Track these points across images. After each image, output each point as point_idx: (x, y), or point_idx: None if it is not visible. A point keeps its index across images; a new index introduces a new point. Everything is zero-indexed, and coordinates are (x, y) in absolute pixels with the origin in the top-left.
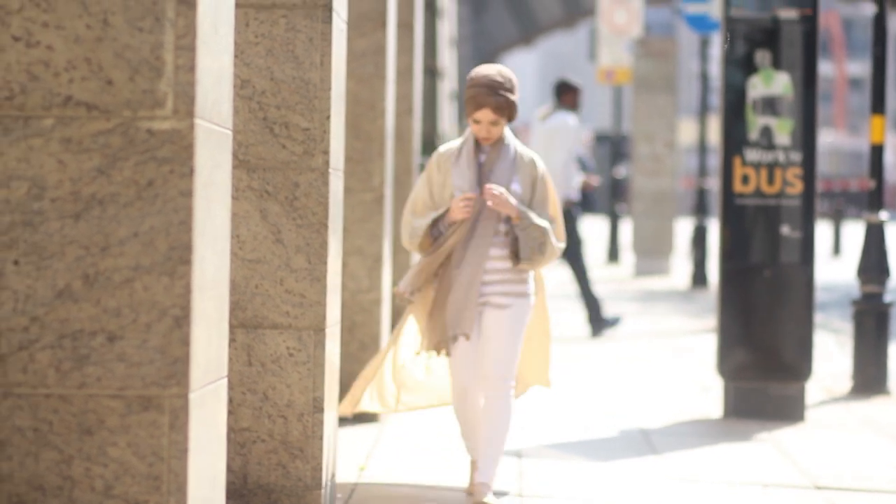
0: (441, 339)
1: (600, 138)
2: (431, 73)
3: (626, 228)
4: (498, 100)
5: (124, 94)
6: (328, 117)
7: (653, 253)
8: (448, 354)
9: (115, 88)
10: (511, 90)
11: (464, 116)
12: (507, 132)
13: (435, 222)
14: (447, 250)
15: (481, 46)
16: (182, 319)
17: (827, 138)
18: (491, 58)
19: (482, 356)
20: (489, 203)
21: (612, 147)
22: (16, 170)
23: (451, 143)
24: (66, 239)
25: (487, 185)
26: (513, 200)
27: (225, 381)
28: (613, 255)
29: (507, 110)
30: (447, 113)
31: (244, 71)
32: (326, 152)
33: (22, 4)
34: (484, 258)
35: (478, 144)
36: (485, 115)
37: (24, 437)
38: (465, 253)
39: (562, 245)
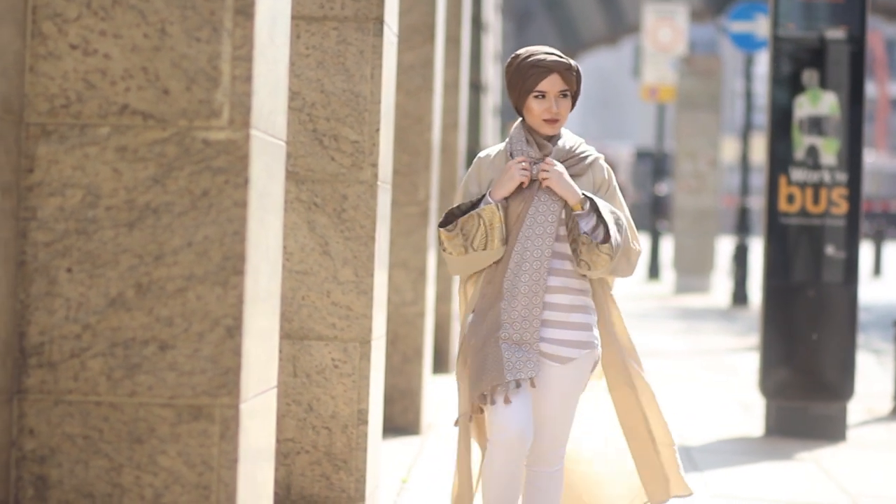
0: (498, 381)
1: (642, 155)
2: (476, 87)
3: (668, 245)
4: (567, 62)
5: (180, 104)
6: (377, 130)
7: (693, 271)
8: (506, 402)
9: (171, 98)
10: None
11: (507, 131)
12: (563, 129)
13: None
14: (483, 256)
15: None
16: (234, 329)
17: (868, 158)
18: None
19: (540, 425)
20: (543, 177)
21: (655, 164)
22: (71, 178)
23: (491, 149)
24: (119, 247)
25: (547, 160)
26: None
27: (275, 392)
28: (654, 272)
29: (575, 79)
30: (490, 127)
31: (294, 83)
32: (375, 165)
33: (80, 13)
34: (542, 283)
35: (528, 142)
36: (552, 81)
37: (74, 444)
38: (516, 278)
39: (639, 248)
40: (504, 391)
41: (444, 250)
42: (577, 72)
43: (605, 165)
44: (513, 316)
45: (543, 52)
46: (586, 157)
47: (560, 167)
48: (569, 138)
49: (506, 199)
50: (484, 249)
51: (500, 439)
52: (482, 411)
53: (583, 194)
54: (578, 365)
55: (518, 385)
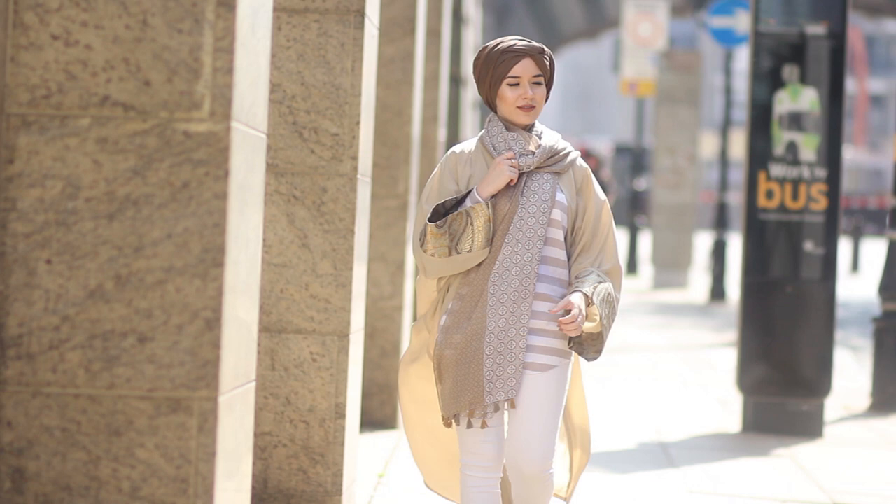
0: (477, 405)
1: (621, 150)
2: (456, 80)
3: (646, 241)
4: (539, 47)
5: (161, 96)
6: (358, 123)
7: (672, 266)
8: (483, 426)
9: (152, 89)
10: None
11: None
12: (538, 123)
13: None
14: (467, 259)
15: None
16: (213, 322)
17: (847, 155)
18: None
19: (517, 433)
20: (570, 331)
21: (633, 159)
22: (51, 169)
23: (464, 145)
24: (99, 239)
25: (569, 303)
26: (582, 315)
27: (253, 385)
28: (632, 267)
29: (548, 64)
30: (470, 121)
31: (275, 75)
32: (355, 158)
33: (61, 3)
34: (529, 291)
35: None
36: (526, 66)
37: (52, 436)
38: (500, 285)
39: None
40: (482, 415)
41: (424, 250)
42: (551, 57)
43: (584, 163)
44: (499, 324)
45: (513, 39)
46: (568, 154)
47: (577, 309)
48: (549, 134)
49: (493, 197)
50: (469, 251)
51: (476, 464)
52: (451, 425)
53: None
54: (559, 373)
55: (496, 409)
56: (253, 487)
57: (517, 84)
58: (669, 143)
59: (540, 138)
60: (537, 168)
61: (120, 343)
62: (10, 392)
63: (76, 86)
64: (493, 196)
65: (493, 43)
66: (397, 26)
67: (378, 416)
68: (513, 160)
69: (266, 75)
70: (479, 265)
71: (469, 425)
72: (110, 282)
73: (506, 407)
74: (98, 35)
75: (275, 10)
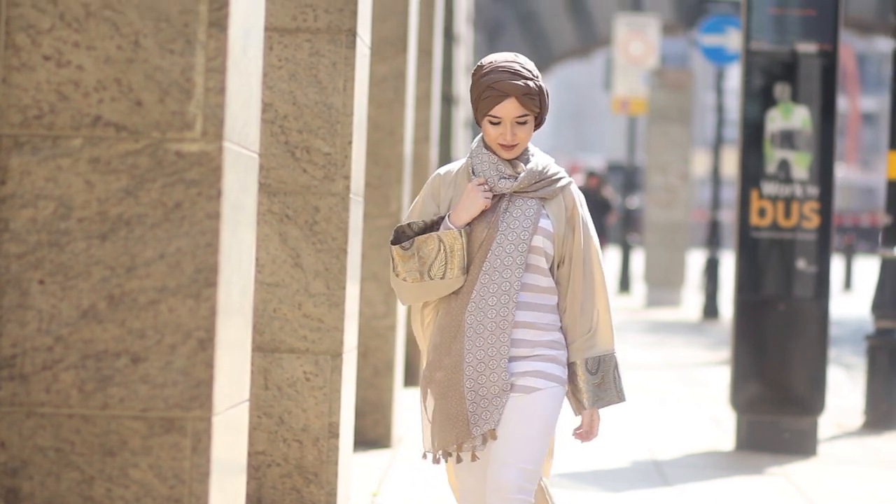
0: (464, 438)
1: (613, 168)
2: (447, 99)
3: (638, 259)
4: (527, 85)
5: (153, 116)
6: (350, 142)
7: (664, 284)
8: (472, 459)
9: (144, 110)
10: (538, 78)
11: None
12: (531, 146)
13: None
14: (441, 285)
15: None
16: (206, 342)
17: (839, 173)
18: None
19: (497, 456)
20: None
21: (626, 177)
22: (43, 189)
23: (450, 165)
24: (91, 259)
25: (583, 432)
26: (596, 427)
27: (247, 405)
28: (625, 285)
29: (537, 101)
30: (462, 140)
31: (267, 94)
32: (347, 177)
33: (53, 24)
34: (508, 321)
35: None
36: (508, 108)
37: (45, 456)
38: (477, 315)
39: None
40: (471, 448)
41: (396, 274)
42: (541, 93)
43: (577, 190)
44: (477, 356)
45: (504, 67)
46: (558, 179)
47: (592, 423)
48: (539, 158)
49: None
50: (442, 278)
51: (468, 500)
52: (438, 462)
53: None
54: (544, 396)
55: (485, 441)
56: None
57: (499, 123)
58: (661, 161)
59: (527, 162)
60: (521, 192)
61: (113, 363)
62: (3, 412)
63: (68, 106)
64: (470, 222)
65: (486, 65)
66: (389, 45)
67: (371, 436)
68: (485, 186)
69: (258, 95)
70: (456, 294)
71: (458, 459)
72: (103, 302)
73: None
74: (90, 56)
75: (266, 30)
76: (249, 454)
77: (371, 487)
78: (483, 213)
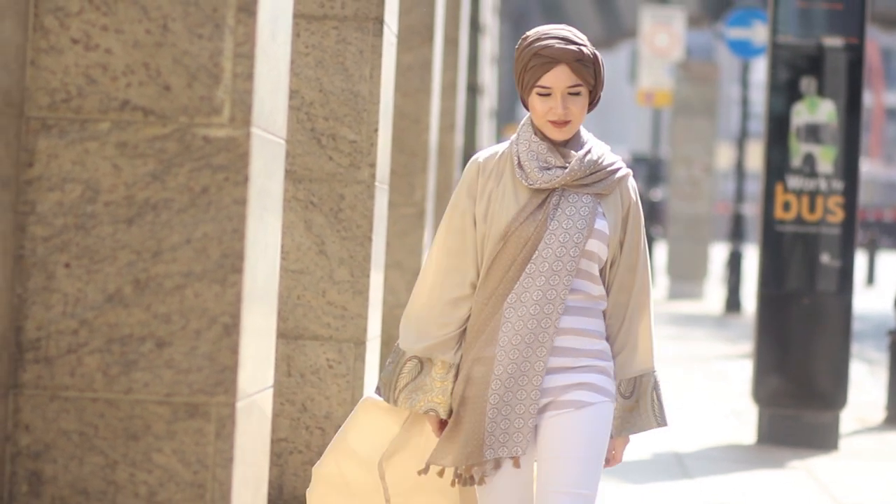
0: (474, 461)
1: (637, 160)
2: (473, 89)
3: (661, 251)
4: (580, 51)
5: (181, 101)
6: (376, 130)
7: (687, 277)
8: (480, 482)
9: (172, 94)
10: (591, 46)
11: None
12: (584, 130)
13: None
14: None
15: None
16: (231, 328)
17: (862, 167)
18: None
19: (548, 482)
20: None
21: (650, 170)
22: (70, 172)
23: (491, 150)
24: (118, 243)
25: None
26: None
27: (271, 392)
28: None
29: (592, 70)
30: (486, 130)
31: (293, 81)
32: (373, 165)
33: (82, 7)
34: (548, 333)
35: (539, 146)
36: (559, 76)
37: (69, 440)
38: (514, 322)
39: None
40: (480, 472)
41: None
42: (595, 61)
43: (634, 184)
44: (509, 370)
45: (553, 35)
46: (616, 170)
47: (616, 449)
48: (594, 145)
49: (514, 224)
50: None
51: None
52: (443, 473)
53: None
54: (597, 412)
55: (498, 466)
56: (268, 494)
57: (548, 94)
58: (686, 153)
59: (580, 149)
60: (574, 187)
61: (138, 347)
62: (27, 395)
63: (96, 90)
64: (514, 217)
65: (532, 35)
66: (415, 34)
67: None
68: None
69: (286, 81)
70: (488, 297)
71: (465, 483)
72: (129, 286)
73: (511, 465)
74: (118, 39)
75: (294, 16)
76: (272, 441)
77: None
78: (531, 208)
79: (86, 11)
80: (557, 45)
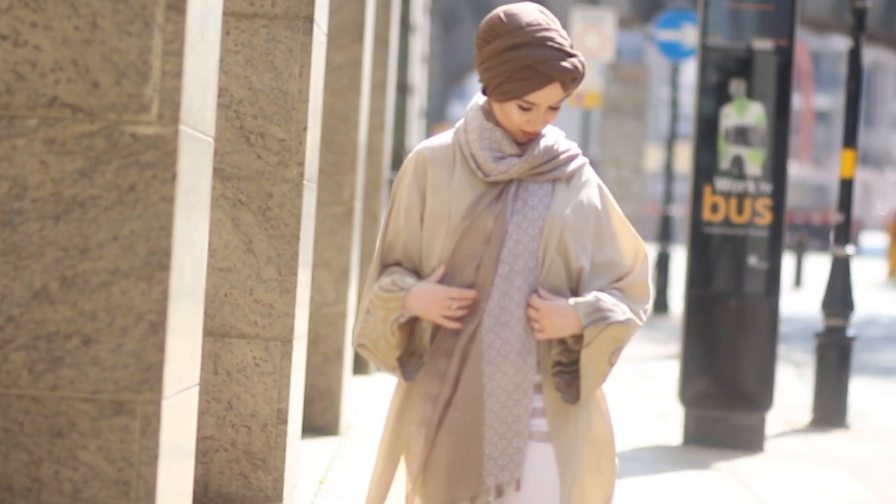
0: (475, 492)
1: None
2: (402, 88)
3: None
4: (575, 68)
5: (110, 98)
6: (305, 129)
7: None
8: None
9: (100, 91)
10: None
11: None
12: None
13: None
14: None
15: (450, 64)
16: (158, 325)
17: (791, 170)
18: (460, 76)
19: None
20: (539, 337)
21: None
22: None
23: (436, 140)
24: (45, 240)
25: (536, 301)
26: (563, 307)
27: (196, 389)
28: None
29: (578, 82)
30: (416, 129)
31: (222, 79)
32: (301, 164)
33: (11, 4)
34: (532, 341)
35: (492, 137)
36: (549, 94)
37: None
38: (500, 322)
39: (648, 307)
40: (485, 501)
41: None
42: (583, 69)
43: (593, 173)
44: (501, 384)
45: (546, 37)
46: (572, 156)
47: (546, 311)
48: (549, 132)
49: (469, 217)
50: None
51: None
52: None
53: (579, 308)
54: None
55: (501, 493)
56: (194, 492)
57: (530, 109)
58: (615, 154)
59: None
60: (532, 175)
61: (64, 344)
62: None
63: (24, 86)
64: (467, 209)
65: (514, 28)
66: (345, 33)
67: (320, 423)
68: (462, 302)
69: (215, 79)
70: (462, 308)
71: None
72: (55, 283)
73: (512, 489)
74: (47, 36)
75: (224, 14)
76: (197, 439)
77: (318, 474)
78: (486, 201)
79: (15, 8)
80: (555, 63)
